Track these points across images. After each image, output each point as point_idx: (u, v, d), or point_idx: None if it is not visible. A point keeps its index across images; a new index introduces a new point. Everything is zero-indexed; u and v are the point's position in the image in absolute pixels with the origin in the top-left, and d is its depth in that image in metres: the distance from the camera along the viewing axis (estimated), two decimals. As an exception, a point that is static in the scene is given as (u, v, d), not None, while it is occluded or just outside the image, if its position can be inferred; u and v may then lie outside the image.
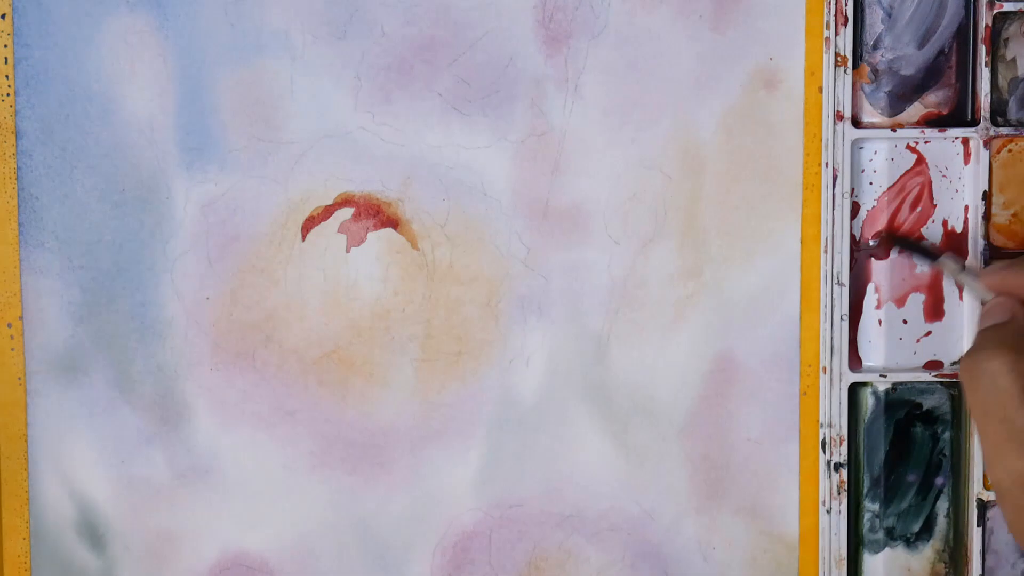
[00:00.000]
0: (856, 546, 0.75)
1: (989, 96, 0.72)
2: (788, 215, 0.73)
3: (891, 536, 0.75)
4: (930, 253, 0.72)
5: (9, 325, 0.72)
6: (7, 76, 0.71)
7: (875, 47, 0.73)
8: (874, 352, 0.74)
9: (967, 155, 0.73)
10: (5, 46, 0.71)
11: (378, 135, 0.72)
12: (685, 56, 0.72)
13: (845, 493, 0.74)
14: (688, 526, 0.74)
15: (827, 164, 0.72)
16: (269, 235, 0.72)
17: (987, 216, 0.73)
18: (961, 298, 0.74)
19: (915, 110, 0.73)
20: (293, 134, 0.72)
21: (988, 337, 0.66)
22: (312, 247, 0.73)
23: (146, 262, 0.72)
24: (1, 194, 0.71)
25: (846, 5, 0.72)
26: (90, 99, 0.71)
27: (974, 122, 0.73)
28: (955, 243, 0.74)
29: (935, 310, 0.74)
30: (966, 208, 0.74)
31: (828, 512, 0.74)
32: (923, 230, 0.74)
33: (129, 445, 0.73)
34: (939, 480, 0.75)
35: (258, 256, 0.73)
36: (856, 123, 0.73)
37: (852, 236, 0.73)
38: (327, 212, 0.72)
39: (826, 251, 0.73)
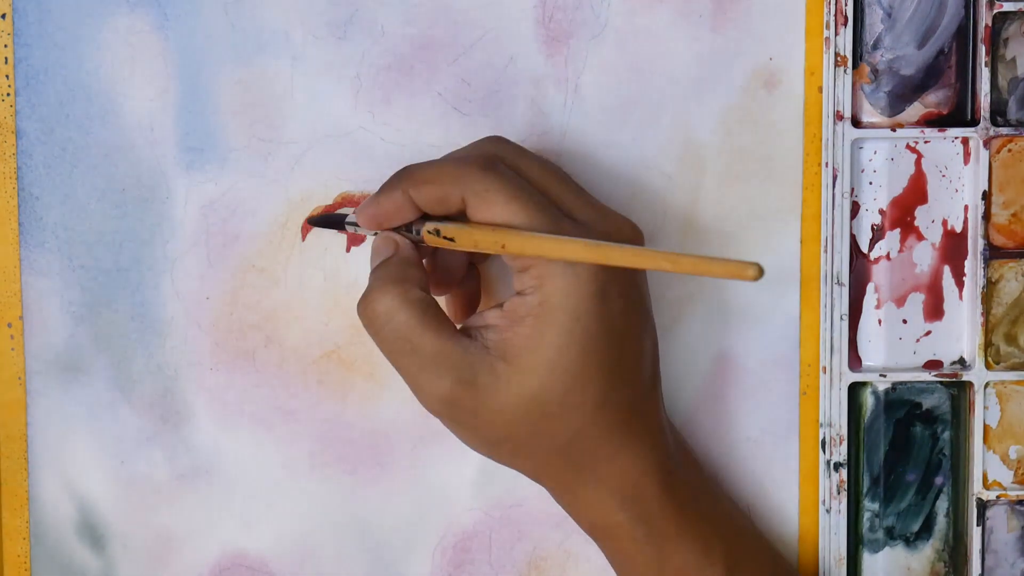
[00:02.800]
0: (856, 545, 0.75)
1: (989, 96, 0.72)
2: (788, 215, 0.73)
3: (891, 535, 0.75)
4: (339, 222, 0.70)
5: (9, 325, 0.72)
6: (7, 76, 0.71)
7: (875, 47, 0.73)
8: (874, 352, 0.74)
9: (967, 155, 0.73)
10: (5, 46, 0.71)
11: (378, 135, 0.72)
12: (685, 56, 0.72)
13: (845, 492, 0.74)
14: (688, 526, 0.74)
15: (827, 164, 0.72)
16: (269, 235, 0.72)
17: (987, 216, 0.73)
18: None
19: (915, 110, 0.73)
20: (293, 134, 0.72)
21: (377, 276, 0.66)
22: (312, 247, 0.73)
23: (146, 262, 0.72)
24: (1, 194, 0.71)
25: (846, 5, 0.72)
26: (90, 99, 0.71)
27: (974, 122, 0.73)
28: (955, 243, 0.74)
29: (935, 310, 0.74)
30: (966, 208, 0.74)
31: (828, 511, 0.74)
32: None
33: (129, 445, 0.73)
34: (939, 480, 0.75)
35: (258, 256, 0.73)
36: (856, 123, 0.73)
37: (852, 236, 0.73)
38: (327, 212, 0.72)
39: (826, 251, 0.73)
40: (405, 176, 0.66)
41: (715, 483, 0.73)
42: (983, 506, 0.74)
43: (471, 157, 0.66)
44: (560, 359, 0.64)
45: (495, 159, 0.66)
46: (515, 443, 0.66)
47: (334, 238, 0.72)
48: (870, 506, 0.75)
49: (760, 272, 0.57)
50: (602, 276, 0.64)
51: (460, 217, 0.66)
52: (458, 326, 0.66)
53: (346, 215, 0.70)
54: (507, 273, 0.71)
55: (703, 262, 0.59)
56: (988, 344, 0.74)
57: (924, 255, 0.74)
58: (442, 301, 0.71)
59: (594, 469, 0.66)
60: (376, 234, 0.68)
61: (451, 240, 0.65)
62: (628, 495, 0.67)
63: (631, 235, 0.67)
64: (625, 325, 0.65)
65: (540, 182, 0.66)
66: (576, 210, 0.66)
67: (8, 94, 0.71)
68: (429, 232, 0.66)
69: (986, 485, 0.74)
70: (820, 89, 0.72)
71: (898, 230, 0.74)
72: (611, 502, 0.67)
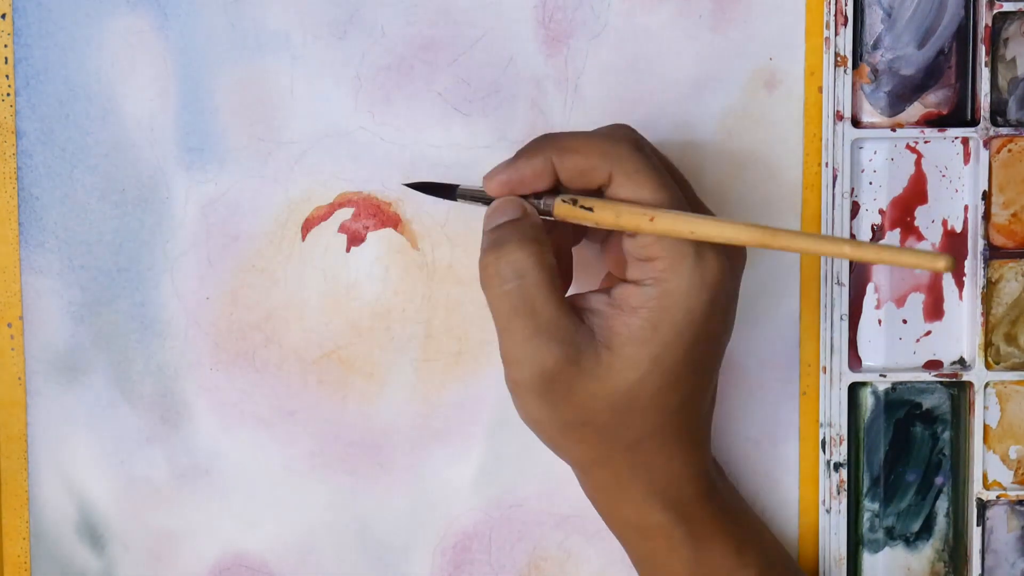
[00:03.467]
0: (856, 545, 0.75)
1: (989, 96, 0.72)
2: (788, 215, 0.73)
3: (891, 535, 0.75)
4: (449, 191, 0.68)
5: (9, 325, 0.72)
6: (7, 76, 0.71)
7: (875, 47, 0.73)
8: (874, 352, 0.74)
9: (967, 155, 0.73)
10: (5, 46, 0.71)
11: (378, 135, 0.72)
12: (685, 56, 0.72)
13: (845, 493, 0.74)
14: (688, 526, 0.74)
15: (827, 164, 0.72)
16: (269, 235, 0.72)
17: (987, 216, 0.73)
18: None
19: (915, 110, 0.73)
20: (293, 134, 0.72)
21: (507, 232, 0.64)
22: (312, 247, 0.73)
23: (146, 262, 0.72)
24: (1, 194, 0.71)
25: (846, 5, 0.72)
26: (90, 99, 0.71)
27: (974, 122, 0.73)
28: (955, 243, 0.74)
29: (935, 310, 0.74)
30: (966, 208, 0.74)
31: (828, 511, 0.74)
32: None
33: (129, 445, 0.73)
34: (939, 480, 0.75)
35: (258, 256, 0.73)
36: (856, 123, 0.73)
37: (852, 236, 0.73)
38: (327, 212, 0.72)
39: (826, 251, 0.73)
40: (550, 143, 0.65)
41: (740, 496, 0.73)
42: (983, 506, 0.74)
43: (617, 135, 0.65)
44: (665, 356, 0.63)
45: (642, 143, 0.65)
46: (590, 429, 0.65)
47: (334, 238, 0.72)
48: (870, 506, 0.75)
49: (952, 264, 0.58)
50: (723, 279, 0.63)
51: (594, 194, 0.65)
52: None
53: (457, 185, 0.68)
54: (595, 261, 0.71)
55: (889, 251, 0.59)
56: (988, 344, 0.74)
57: (924, 255, 0.74)
58: None
59: (649, 469, 0.66)
60: (488, 204, 0.67)
61: (589, 210, 0.64)
62: (673, 496, 0.66)
63: (745, 249, 0.67)
64: (721, 330, 0.65)
65: (675, 178, 0.67)
66: (695, 206, 0.67)
67: (8, 94, 0.71)
68: (564, 201, 0.64)
69: (986, 485, 0.74)
70: (820, 89, 0.72)
71: (898, 230, 0.74)
72: (656, 502, 0.66)
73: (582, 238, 0.69)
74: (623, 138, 0.65)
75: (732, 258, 0.65)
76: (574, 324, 0.63)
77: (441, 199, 0.71)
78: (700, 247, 0.63)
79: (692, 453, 0.67)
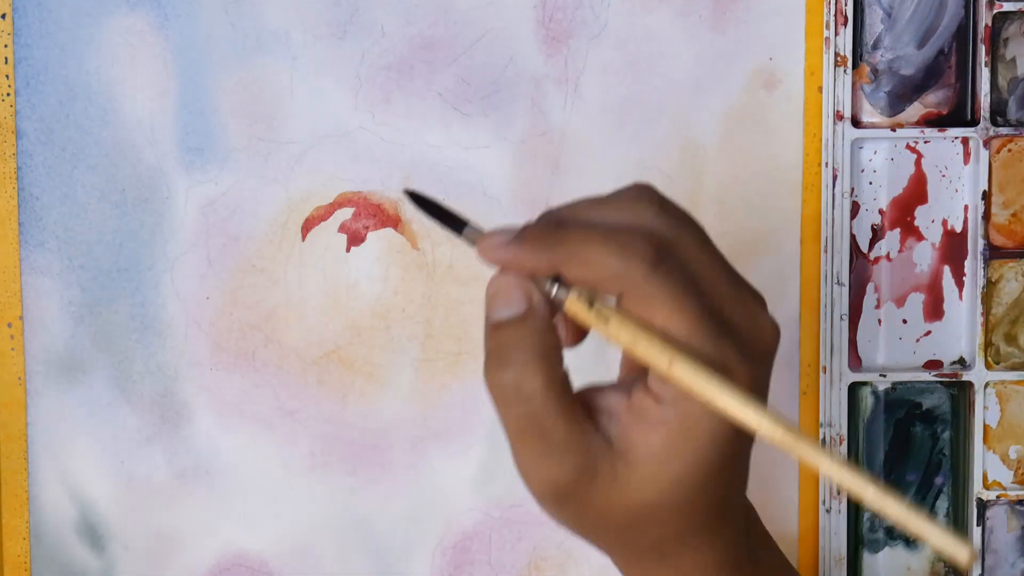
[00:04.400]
0: (856, 545, 0.75)
1: (989, 96, 0.72)
2: (788, 215, 0.73)
3: (891, 535, 0.75)
4: (457, 225, 0.58)
5: (9, 325, 0.72)
6: (7, 76, 0.71)
7: (875, 47, 0.73)
8: (874, 352, 0.74)
9: (967, 155, 0.73)
10: (5, 46, 0.71)
11: (378, 135, 0.72)
12: (685, 56, 0.72)
13: (845, 493, 0.74)
14: (688, 526, 0.74)
15: (827, 164, 0.72)
16: (269, 235, 0.72)
17: (987, 216, 0.73)
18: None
19: (915, 110, 0.73)
20: (293, 134, 0.72)
21: (512, 340, 0.56)
22: (312, 247, 0.73)
23: (146, 262, 0.72)
24: (1, 194, 0.71)
25: (846, 5, 0.72)
26: (90, 99, 0.71)
27: (974, 122, 0.73)
28: (955, 243, 0.74)
29: (935, 310, 0.74)
30: (966, 208, 0.74)
31: (828, 511, 0.74)
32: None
33: (129, 445, 0.73)
34: (939, 480, 0.75)
35: (258, 256, 0.73)
36: (856, 123, 0.73)
37: (852, 236, 0.73)
38: (327, 212, 0.72)
39: (826, 251, 0.73)
40: (557, 244, 0.56)
41: (783, 558, 0.71)
42: (983, 506, 0.74)
43: (639, 243, 0.56)
44: (688, 476, 0.58)
45: (666, 250, 0.56)
46: (610, 534, 0.61)
47: (334, 238, 0.72)
48: (870, 506, 0.75)
49: (973, 558, 0.52)
50: (755, 392, 0.57)
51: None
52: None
53: (467, 221, 0.58)
54: None
55: (914, 518, 0.53)
56: (988, 344, 0.74)
57: (924, 255, 0.74)
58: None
59: (678, 561, 0.63)
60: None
61: (605, 319, 0.56)
62: None
63: (774, 342, 0.59)
64: (749, 449, 0.60)
65: (697, 267, 0.57)
66: (727, 303, 0.58)
67: (8, 94, 0.71)
68: (579, 299, 0.56)
69: (986, 485, 0.74)
70: (820, 89, 0.72)
71: (898, 230, 0.74)
72: None
73: None
74: (645, 247, 0.56)
75: (766, 356, 0.59)
76: (587, 436, 0.58)
77: (440, 223, 0.64)
78: (728, 370, 0.56)
79: (720, 540, 0.63)
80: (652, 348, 0.55)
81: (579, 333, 0.60)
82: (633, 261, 0.55)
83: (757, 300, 0.59)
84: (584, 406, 0.58)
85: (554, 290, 0.56)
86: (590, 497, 0.59)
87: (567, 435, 0.57)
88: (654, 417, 0.57)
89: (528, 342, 0.57)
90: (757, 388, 0.58)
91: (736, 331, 0.58)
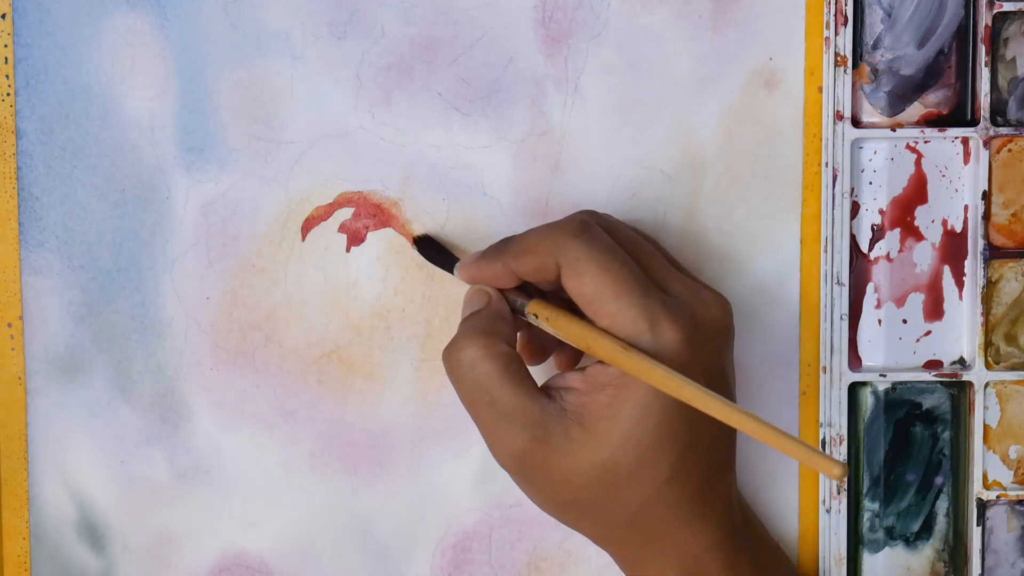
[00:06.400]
0: (856, 545, 0.75)
1: (989, 96, 0.72)
2: (788, 215, 0.73)
3: (891, 535, 0.75)
4: (449, 264, 0.71)
5: (9, 325, 0.72)
6: (7, 76, 0.71)
7: (875, 47, 0.73)
8: (874, 352, 0.74)
9: (967, 155, 0.73)
10: (5, 46, 0.71)
11: (378, 135, 0.72)
12: (685, 56, 0.72)
13: (845, 493, 0.74)
14: (688, 526, 0.74)
15: (827, 164, 0.72)
16: (269, 235, 0.72)
17: (987, 216, 0.73)
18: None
19: (915, 110, 0.73)
20: (293, 134, 0.72)
21: (466, 326, 0.67)
22: (312, 247, 0.73)
23: (146, 262, 0.72)
24: (1, 194, 0.71)
25: (846, 5, 0.72)
26: (90, 99, 0.71)
27: (974, 122, 0.73)
28: (955, 243, 0.74)
29: (935, 310, 0.74)
30: (965, 208, 0.74)
31: (828, 512, 0.74)
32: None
33: (129, 445, 0.73)
34: (939, 479, 0.75)
35: (258, 256, 0.73)
36: (856, 123, 0.73)
37: (852, 236, 0.73)
38: (327, 212, 0.72)
39: (826, 251, 0.73)
40: (505, 248, 0.67)
41: (783, 556, 0.73)
42: (983, 506, 0.74)
43: (564, 223, 0.67)
44: (635, 431, 0.64)
45: (588, 225, 0.66)
46: (583, 507, 0.66)
47: (334, 238, 0.72)
48: (870, 506, 0.75)
49: (845, 472, 0.58)
50: (686, 354, 0.64)
51: (560, 286, 0.67)
52: (540, 382, 0.67)
53: (457, 260, 0.71)
54: None
55: (788, 442, 0.59)
56: (988, 344, 0.74)
57: (924, 255, 0.74)
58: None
59: (659, 542, 0.66)
60: None
61: (545, 323, 0.67)
62: (691, 570, 0.67)
63: (720, 314, 0.67)
64: (713, 430, 0.66)
65: (632, 249, 0.67)
66: (668, 282, 0.67)
67: (8, 94, 0.71)
68: (529, 317, 0.68)
69: (986, 485, 0.74)
70: (820, 89, 0.72)
71: (898, 230, 0.74)
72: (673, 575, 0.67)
73: None
74: (569, 224, 0.66)
75: (704, 323, 0.66)
76: (538, 406, 0.65)
77: (439, 266, 0.72)
78: (655, 322, 0.64)
79: (703, 523, 0.67)
80: (574, 333, 0.65)
81: (543, 352, 0.70)
82: (559, 234, 0.66)
83: (701, 284, 0.68)
84: (545, 388, 0.66)
85: (518, 302, 0.68)
86: (548, 462, 0.65)
87: (516, 403, 0.65)
88: (602, 379, 0.65)
89: (479, 326, 0.66)
90: (695, 352, 0.65)
91: (671, 296, 0.66)
